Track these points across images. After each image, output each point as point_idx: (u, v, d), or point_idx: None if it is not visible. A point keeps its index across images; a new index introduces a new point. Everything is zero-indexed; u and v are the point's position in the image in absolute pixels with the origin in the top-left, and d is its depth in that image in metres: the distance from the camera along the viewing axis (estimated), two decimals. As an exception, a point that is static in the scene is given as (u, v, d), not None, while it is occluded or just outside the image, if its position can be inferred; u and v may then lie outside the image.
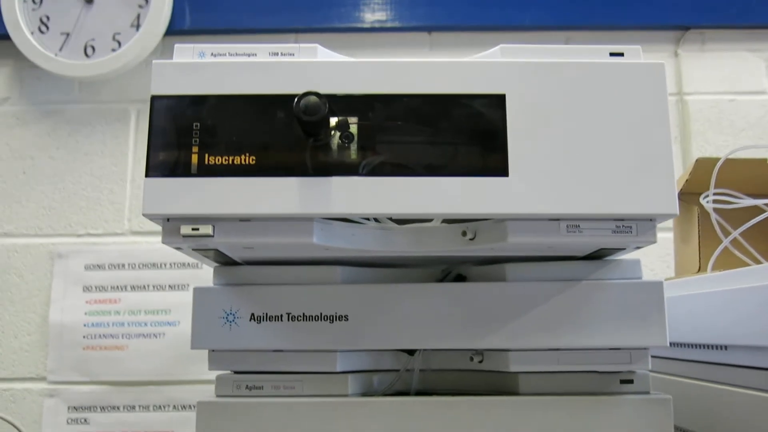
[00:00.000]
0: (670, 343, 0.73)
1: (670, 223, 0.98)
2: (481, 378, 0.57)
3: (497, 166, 0.47)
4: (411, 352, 0.55)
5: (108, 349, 1.12)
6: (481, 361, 0.55)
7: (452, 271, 0.56)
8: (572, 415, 0.52)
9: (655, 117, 0.48)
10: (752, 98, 1.15)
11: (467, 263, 0.57)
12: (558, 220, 0.48)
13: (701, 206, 0.82)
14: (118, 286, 1.14)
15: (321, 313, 0.53)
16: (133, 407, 1.10)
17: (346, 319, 0.53)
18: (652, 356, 0.68)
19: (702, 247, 0.81)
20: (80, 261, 1.15)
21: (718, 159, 0.78)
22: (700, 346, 0.67)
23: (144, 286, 1.13)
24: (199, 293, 0.55)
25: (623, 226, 0.48)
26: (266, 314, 0.54)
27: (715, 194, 0.76)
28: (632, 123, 0.48)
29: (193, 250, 0.50)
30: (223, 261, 0.56)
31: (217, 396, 0.54)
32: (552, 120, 0.48)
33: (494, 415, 0.52)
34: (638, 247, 0.50)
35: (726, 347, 0.62)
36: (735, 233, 0.70)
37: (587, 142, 0.47)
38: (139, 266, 1.14)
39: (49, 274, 1.15)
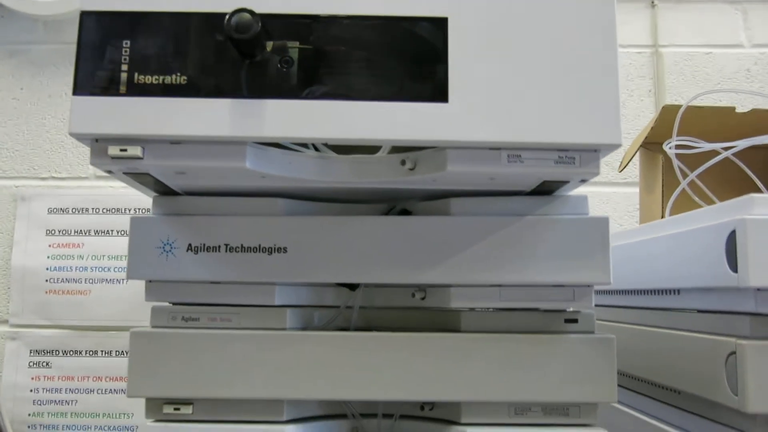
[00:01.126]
0: (624, 290, 0.72)
1: (637, 176, 0.97)
2: (423, 316, 0.56)
3: (437, 92, 0.45)
4: (353, 288, 0.54)
5: (71, 294, 1.11)
6: (423, 298, 0.54)
7: (397, 206, 0.55)
8: (514, 353, 0.51)
9: (601, 43, 0.46)
10: (728, 51, 1.13)
11: (413, 199, 0.55)
12: (499, 149, 0.46)
13: (665, 155, 0.81)
14: (81, 231, 1.12)
15: (259, 245, 0.52)
16: (95, 352, 1.10)
17: (285, 251, 0.52)
18: (604, 305, 0.68)
19: (665, 195, 0.80)
20: (43, 204, 1.13)
21: (681, 106, 0.77)
22: (653, 291, 0.66)
23: (107, 231, 1.12)
24: (136, 222, 0.53)
25: (566, 156, 0.47)
26: (203, 245, 0.52)
27: (677, 141, 0.75)
28: (578, 49, 0.46)
29: (125, 174, 0.49)
30: (162, 191, 0.54)
31: (153, 327, 0.53)
32: (495, 45, 0.46)
33: (435, 351, 0.51)
34: (583, 180, 0.49)
35: (678, 291, 0.61)
36: (692, 175, 0.69)
37: (531, 69, 0.46)
38: (102, 211, 1.12)
39: (11, 217, 1.13)
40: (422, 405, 0.54)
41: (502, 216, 0.51)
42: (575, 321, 0.53)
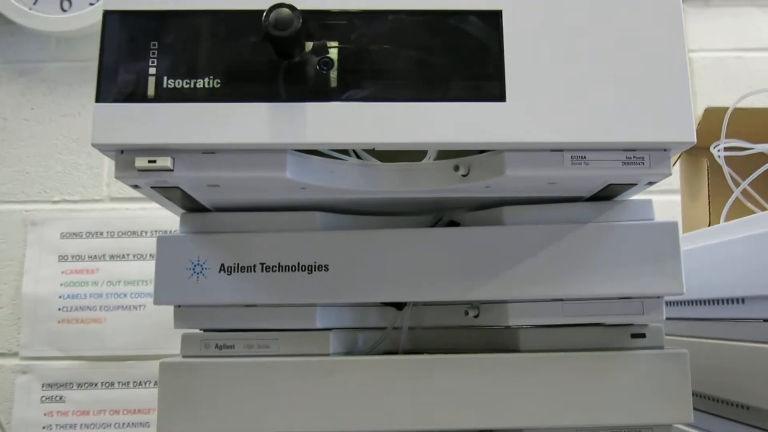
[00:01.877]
0: (681, 302, 0.68)
1: (677, 184, 0.93)
2: (477, 335, 0.51)
3: (493, 91, 0.41)
4: (399, 307, 0.50)
5: (85, 322, 1.07)
6: (477, 316, 0.50)
7: (444, 218, 0.51)
8: (578, 373, 0.47)
9: (669, 34, 0.42)
10: (760, 55, 1.10)
11: (460, 209, 0.51)
12: (561, 150, 0.42)
13: (710, 159, 0.77)
14: (95, 256, 1.08)
15: (298, 263, 0.48)
16: (112, 384, 1.05)
17: (326, 269, 0.48)
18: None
19: (712, 201, 0.76)
20: (56, 229, 1.09)
21: (727, 108, 0.73)
22: (713, 302, 0.62)
23: (123, 256, 1.08)
24: (163, 242, 0.49)
25: (634, 157, 0.43)
26: (237, 264, 0.48)
27: (726, 143, 0.71)
28: (644, 41, 0.42)
29: (152, 189, 0.45)
30: (191, 207, 0.50)
31: (183, 356, 0.49)
32: (554, 38, 0.42)
33: (492, 374, 0.47)
34: (651, 183, 0.45)
35: (743, 300, 0.57)
36: (747, 180, 0.65)
37: (593, 63, 0.42)
38: (117, 234, 1.08)
39: (22, 243, 1.09)
40: (479, 434, 0.50)
41: (560, 224, 0.47)
42: (643, 336, 0.49)
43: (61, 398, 1.05)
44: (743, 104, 0.76)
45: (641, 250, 0.46)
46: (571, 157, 0.42)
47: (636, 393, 0.47)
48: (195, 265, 0.48)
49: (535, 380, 0.47)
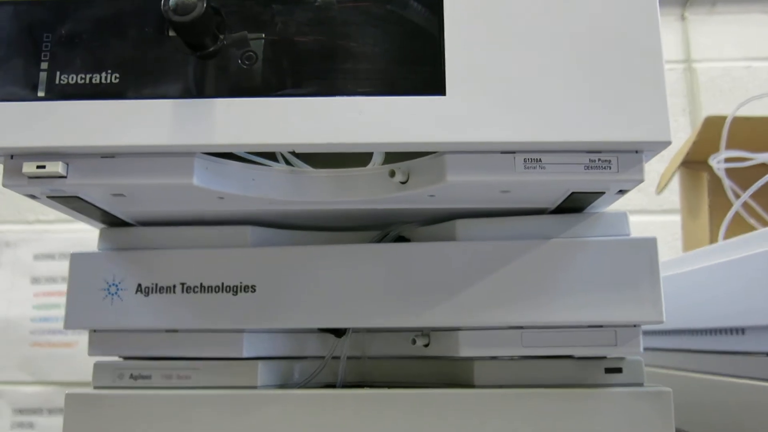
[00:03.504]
0: (672, 330, 0.61)
1: (677, 203, 0.86)
2: (427, 367, 0.45)
3: (431, 83, 0.36)
4: (339, 334, 0.44)
5: (57, 346, 1.02)
6: (426, 345, 0.43)
7: (391, 233, 0.45)
8: (542, 413, 0.40)
9: (640, 16, 0.36)
10: (770, 64, 1.03)
11: (410, 224, 0.45)
12: (512, 152, 0.36)
13: (711, 173, 0.71)
14: (69, 277, 1.03)
15: (222, 283, 0.42)
16: (83, 410, 1.00)
17: (253, 290, 0.42)
18: (650, 348, 0.57)
19: (713, 218, 0.69)
20: (29, 250, 1.05)
21: (727, 117, 0.67)
22: (710, 331, 0.55)
23: (96, 277, 1.03)
24: (77, 260, 0.44)
25: (599, 160, 0.37)
26: (155, 285, 0.43)
27: (726, 155, 0.64)
28: (609, 21, 0.36)
29: (50, 199, 0.40)
30: (111, 221, 0.45)
31: (95, 387, 0.43)
32: (503, 22, 0.36)
33: (443, 412, 0.40)
34: (622, 192, 0.39)
35: (743, 330, 0.50)
36: (748, 193, 0.58)
37: (550, 50, 0.36)
38: (91, 255, 1.04)
39: (-5, 265, 1.05)
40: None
41: (520, 240, 0.41)
42: (619, 371, 0.42)
43: (31, 425, 1.01)
44: (745, 113, 0.69)
45: (614, 271, 0.40)
46: (524, 160, 0.37)
47: (610, 436, 0.40)
48: (110, 285, 0.43)
49: (491, 421, 0.40)
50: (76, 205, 0.41)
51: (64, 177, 0.37)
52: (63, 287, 1.04)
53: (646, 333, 0.51)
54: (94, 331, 0.44)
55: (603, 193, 0.39)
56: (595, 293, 0.40)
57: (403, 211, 0.43)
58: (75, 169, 0.37)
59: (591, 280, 0.40)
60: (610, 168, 0.37)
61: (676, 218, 0.87)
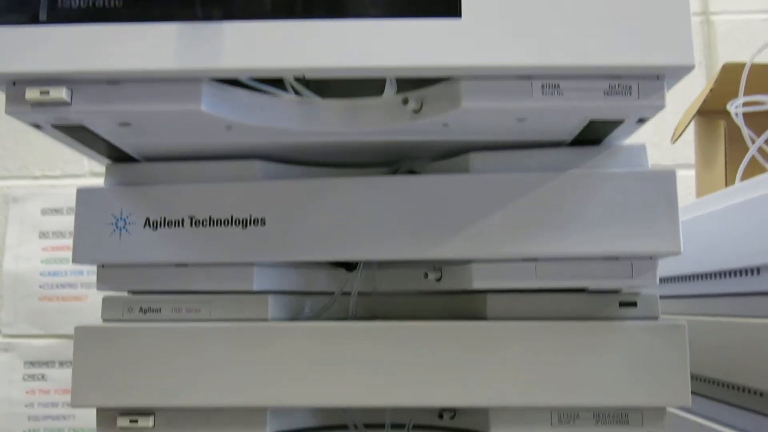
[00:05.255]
0: (684, 276, 0.60)
1: (691, 158, 0.85)
2: (440, 303, 0.45)
3: (446, 5, 0.35)
4: (350, 268, 0.44)
5: (66, 300, 1.02)
6: (439, 279, 0.43)
7: (402, 168, 0.44)
8: (555, 345, 0.40)
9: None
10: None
11: (422, 159, 0.44)
12: (529, 78, 0.35)
13: (728, 122, 0.69)
14: (77, 232, 1.03)
15: (231, 216, 0.42)
16: (93, 363, 1.00)
17: (263, 223, 0.41)
18: (662, 297, 0.57)
19: (729, 168, 0.68)
20: (37, 205, 1.05)
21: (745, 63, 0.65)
22: (723, 274, 0.54)
23: (105, 231, 1.03)
24: (83, 195, 0.43)
25: (619, 85, 0.36)
26: (163, 218, 0.42)
27: (745, 99, 0.63)
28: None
29: (57, 130, 0.39)
30: (118, 156, 0.44)
31: (104, 321, 0.43)
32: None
33: (455, 344, 0.40)
34: (642, 120, 0.38)
35: (758, 270, 0.49)
36: (766, 134, 0.57)
37: (570, -30, 0.35)
38: (99, 209, 1.03)
39: (3, 220, 1.05)
40: (441, 413, 0.43)
41: (535, 172, 0.40)
42: (633, 305, 0.41)
43: (42, 376, 1.01)
44: (764, 60, 0.68)
45: (631, 202, 0.39)
46: (542, 86, 0.35)
47: (624, 370, 0.40)
48: (117, 220, 0.43)
49: (504, 352, 0.40)
50: (82, 136, 0.40)
51: (69, 104, 0.36)
52: (71, 242, 1.03)
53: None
54: (102, 266, 0.43)
55: (622, 121, 0.38)
56: (611, 224, 0.39)
57: (415, 145, 0.42)
58: (80, 95, 0.36)
59: (607, 211, 0.39)
60: (630, 94, 0.36)
61: (690, 173, 0.85)
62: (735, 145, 0.69)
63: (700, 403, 0.58)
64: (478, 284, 0.40)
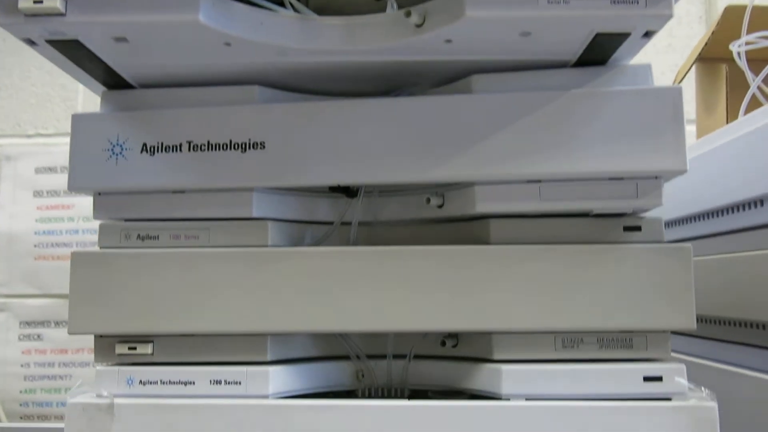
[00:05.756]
0: (686, 218, 0.60)
1: (691, 114, 0.84)
2: (442, 230, 0.44)
3: None
4: (351, 194, 0.43)
5: (61, 259, 1.02)
6: (441, 206, 0.42)
7: (402, 94, 0.43)
8: (559, 268, 0.39)
9: None
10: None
11: (422, 85, 0.43)
12: (535, -15, 0.35)
13: (730, 65, 0.68)
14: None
15: (230, 141, 0.41)
16: (90, 322, 1.00)
17: (263, 146, 0.41)
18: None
19: (730, 112, 0.68)
20: (30, 163, 1.04)
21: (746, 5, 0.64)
22: (725, 211, 0.54)
23: (99, 190, 1.02)
24: (79, 120, 0.43)
25: (626, -7, 0.35)
26: (161, 144, 0.41)
27: (748, 38, 0.62)
28: None
29: (50, 45, 0.38)
30: (114, 83, 0.43)
31: (101, 248, 0.42)
32: None
33: (458, 268, 0.40)
34: (647, 34, 0.37)
35: (761, 201, 0.49)
36: (765, 71, 0.56)
37: None
38: (94, 168, 1.02)
39: (-4, 178, 1.04)
40: (443, 340, 0.43)
41: (538, 92, 0.40)
42: (638, 229, 0.41)
43: (38, 336, 1.01)
44: (765, 1, 0.67)
45: (636, 120, 0.39)
46: (547, -6, 0.35)
47: (628, 293, 0.39)
48: (114, 146, 0.42)
49: (507, 276, 0.40)
50: (77, 55, 0.39)
51: (63, 14, 0.35)
52: (65, 200, 1.02)
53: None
54: (99, 194, 0.43)
55: (628, 35, 0.37)
56: (616, 143, 0.38)
57: (416, 69, 0.41)
58: (74, 5, 0.35)
59: (612, 129, 0.39)
60: (638, 3, 0.35)
61: (690, 128, 0.85)
62: (736, 90, 0.68)
63: (704, 346, 0.58)
64: (481, 207, 0.40)
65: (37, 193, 1.03)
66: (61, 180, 1.03)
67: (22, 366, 1.01)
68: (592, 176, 0.39)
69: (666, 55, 1.01)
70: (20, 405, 1.00)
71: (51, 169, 1.03)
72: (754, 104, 0.62)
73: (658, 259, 0.40)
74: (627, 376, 0.39)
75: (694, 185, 0.59)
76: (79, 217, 1.01)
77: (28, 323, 1.01)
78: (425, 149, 0.40)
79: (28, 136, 1.05)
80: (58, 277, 1.01)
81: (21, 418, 0.99)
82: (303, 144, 0.40)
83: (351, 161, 0.40)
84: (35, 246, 1.02)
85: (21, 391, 1.00)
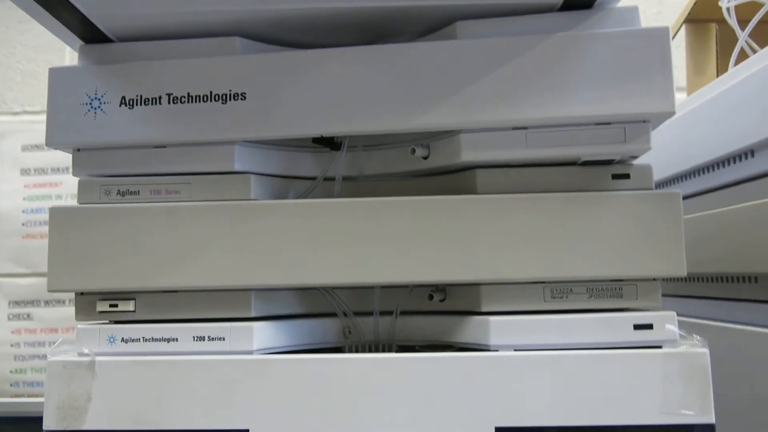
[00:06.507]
0: (678, 177, 0.59)
1: (682, 81, 0.83)
2: (426, 184, 0.43)
3: None
4: (335, 147, 0.42)
5: (50, 238, 1.00)
6: (426, 157, 0.42)
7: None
8: (546, 217, 0.39)
9: None
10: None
11: (404, 36, 0.43)
12: None
13: (720, 24, 0.68)
14: (59, 168, 1.01)
15: (210, 92, 0.40)
16: (80, 300, 0.99)
17: (244, 97, 0.40)
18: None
19: (720, 71, 0.67)
20: (17, 141, 1.02)
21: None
22: (716, 165, 0.53)
23: (87, 167, 1.01)
24: (56, 74, 0.42)
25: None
26: (140, 97, 0.40)
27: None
28: None
29: (22, -8, 0.37)
30: (92, 36, 0.42)
31: (81, 204, 0.42)
32: None
33: (444, 219, 0.39)
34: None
35: (752, 153, 0.48)
36: (754, 22, 0.56)
37: None
38: (81, 145, 1.01)
39: (-18, 157, 1.02)
40: (431, 294, 0.42)
41: (524, 35, 0.39)
42: (626, 177, 0.40)
43: (28, 315, 1.00)
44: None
45: (623, 62, 0.38)
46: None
47: (617, 241, 0.39)
48: (92, 100, 0.41)
49: (495, 225, 0.39)
50: (51, 3, 0.38)
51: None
52: (53, 178, 1.01)
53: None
54: (78, 150, 0.42)
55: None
56: (603, 86, 0.38)
57: (400, 15, 0.40)
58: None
59: (599, 72, 0.38)
60: (623, -62, 0.34)
61: (681, 96, 0.84)
62: (726, 50, 0.68)
63: (697, 306, 0.57)
64: (466, 156, 0.39)
65: (25, 171, 1.02)
66: (49, 157, 1.01)
67: (12, 346, 1.00)
68: (579, 121, 0.38)
69: (656, 24, 1.00)
70: (11, 385, 0.99)
71: (38, 147, 1.02)
72: (743, 59, 0.61)
73: (647, 206, 0.39)
74: (617, 324, 0.39)
75: (684, 143, 0.58)
76: (68, 195, 1.00)
77: (17, 303, 1.00)
78: (410, 97, 0.39)
79: (15, 114, 1.03)
80: (47, 256, 1.00)
81: (12, 398, 0.98)
82: (284, 94, 0.39)
83: (334, 111, 0.39)
84: (23, 224, 1.01)
85: (11, 371, 0.99)
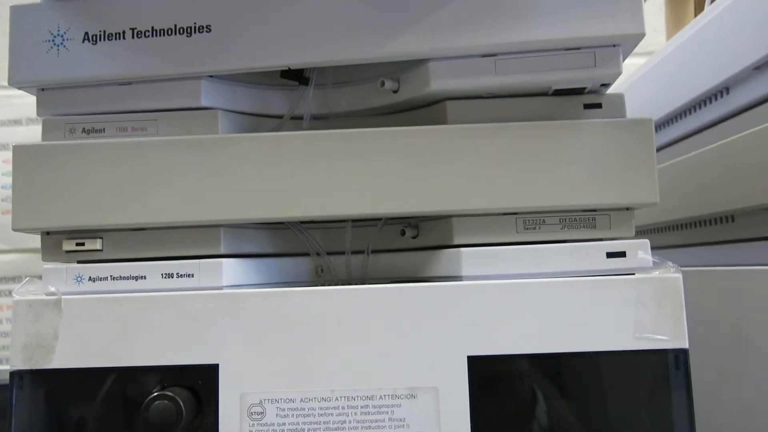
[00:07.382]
0: (657, 125, 0.59)
1: (659, 46, 0.83)
2: (399, 120, 0.43)
3: None
4: (304, 81, 0.41)
5: (30, 213, 0.99)
6: (396, 91, 0.41)
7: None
8: (518, 145, 0.38)
9: None
10: None
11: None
12: None
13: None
14: (38, 143, 1.00)
15: (175, 25, 0.39)
16: (61, 275, 0.98)
17: (209, 29, 0.39)
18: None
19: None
20: (-6, 117, 1.01)
21: None
22: (691, 110, 0.53)
23: (66, 141, 1.00)
24: (17, 12, 0.41)
25: None
26: (103, 32, 0.40)
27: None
28: None
29: None
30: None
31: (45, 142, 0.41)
32: None
33: (415, 149, 0.38)
34: None
35: (727, 90, 0.48)
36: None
37: None
38: (60, 119, 1.00)
39: (-41, 133, 1.01)
40: (403, 230, 0.42)
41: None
42: (598, 106, 0.40)
43: (9, 292, 0.99)
44: None
45: (592, -13, 0.37)
46: None
47: (589, 169, 0.38)
48: (55, 36, 0.40)
49: (466, 155, 0.38)
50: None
51: None
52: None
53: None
54: (42, 89, 0.41)
55: None
56: (571, 8, 0.37)
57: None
58: None
59: (568, -2, 0.37)
60: None
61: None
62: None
63: (673, 256, 0.57)
64: (436, 84, 0.39)
65: (2, 147, 1.01)
66: (27, 132, 1.00)
67: (-6, 323, 0.99)
68: (548, 46, 0.38)
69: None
70: (-6, 362, 0.98)
71: (16, 122, 1.01)
72: None
73: (619, 133, 0.39)
74: (589, 253, 0.38)
75: (663, 91, 0.58)
76: (47, 170, 0.99)
77: (-2, 279, 0.99)
78: (377, 25, 0.38)
79: (-9, 89, 1.02)
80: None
81: (-5, 374, 0.97)
82: (249, 25, 0.39)
83: (300, 41, 0.39)
84: (2, 200, 1.00)
85: (-5, 348, 0.99)
